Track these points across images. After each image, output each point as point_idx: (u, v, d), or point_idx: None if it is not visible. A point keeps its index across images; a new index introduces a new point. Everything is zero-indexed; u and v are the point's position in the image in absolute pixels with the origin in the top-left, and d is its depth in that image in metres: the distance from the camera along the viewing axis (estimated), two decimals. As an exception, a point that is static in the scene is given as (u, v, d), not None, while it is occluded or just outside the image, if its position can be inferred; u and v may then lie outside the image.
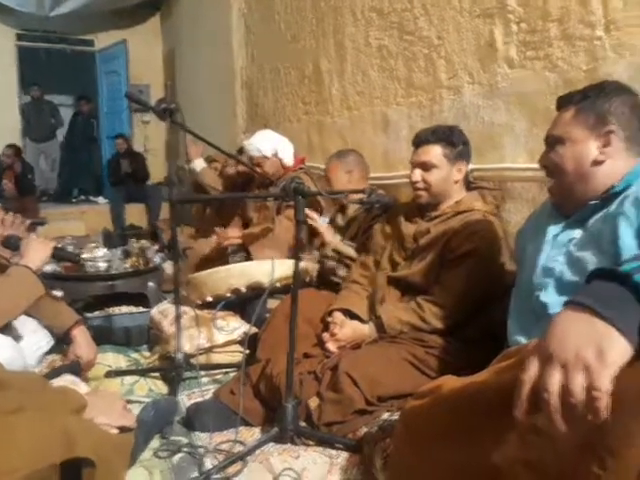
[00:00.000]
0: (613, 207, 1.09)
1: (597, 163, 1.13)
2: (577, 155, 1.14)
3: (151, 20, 7.37)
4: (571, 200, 1.18)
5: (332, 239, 2.14)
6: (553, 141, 1.19)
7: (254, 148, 2.79)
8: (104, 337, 2.32)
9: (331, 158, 2.38)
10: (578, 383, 0.62)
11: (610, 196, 1.10)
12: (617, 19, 1.52)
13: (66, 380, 1.67)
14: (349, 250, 2.09)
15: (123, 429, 1.39)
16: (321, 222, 2.22)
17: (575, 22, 1.63)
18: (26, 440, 1.00)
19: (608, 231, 1.06)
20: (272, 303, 2.04)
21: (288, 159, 2.82)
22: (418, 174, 1.72)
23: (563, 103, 1.20)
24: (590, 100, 1.15)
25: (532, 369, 0.67)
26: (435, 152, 1.70)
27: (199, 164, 3.59)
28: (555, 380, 0.64)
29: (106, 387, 1.93)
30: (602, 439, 0.65)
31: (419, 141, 1.74)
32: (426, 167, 1.71)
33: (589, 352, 0.63)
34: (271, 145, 2.78)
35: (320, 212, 2.54)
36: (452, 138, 1.71)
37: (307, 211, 2.07)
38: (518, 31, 1.83)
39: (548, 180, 1.24)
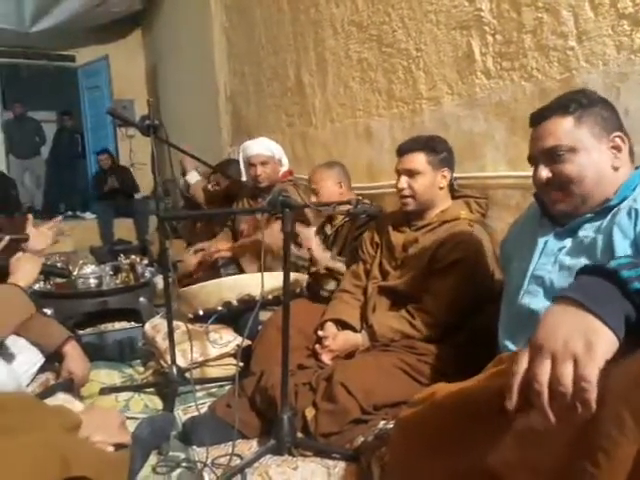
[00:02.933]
0: (607, 218, 1.09)
1: (615, 169, 1.12)
2: (596, 161, 1.11)
3: (132, 35, 7.36)
4: (586, 206, 1.14)
5: (323, 256, 2.16)
6: (560, 152, 1.13)
7: (264, 147, 2.75)
8: (97, 354, 2.33)
9: (319, 169, 2.40)
10: (567, 373, 0.65)
11: (604, 209, 1.11)
12: (588, 30, 1.57)
13: (60, 399, 1.67)
14: (340, 266, 2.11)
15: (119, 446, 1.37)
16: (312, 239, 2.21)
17: (548, 33, 1.68)
18: (20, 464, 1.00)
19: (602, 241, 1.07)
20: (264, 315, 2.06)
21: (285, 169, 2.85)
22: (404, 181, 1.77)
23: (551, 113, 1.15)
24: (586, 108, 1.12)
25: (523, 361, 0.70)
26: (419, 159, 1.75)
27: (193, 177, 3.61)
28: (545, 370, 0.67)
29: (101, 404, 1.93)
30: (594, 437, 0.67)
31: (403, 150, 1.80)
32: (411, 174, 1.76)
33: (578, 344, 0.65)
34: (278, 149, 2.80)
35: (307, 224, 2.58)
36: (434, 145, 1.77)
37: (301, 229, 2.10)
38: (494, 42, 1.87)
39: (547, 191, 1.18)
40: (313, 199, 2.34)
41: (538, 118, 1.19)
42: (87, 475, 1.09)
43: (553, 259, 1.16)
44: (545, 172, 1.16)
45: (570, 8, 1.60)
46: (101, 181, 6.12)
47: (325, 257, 2.15)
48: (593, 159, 1.11)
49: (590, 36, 1.56)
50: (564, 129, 1.13)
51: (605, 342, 0.65)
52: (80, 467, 1.08)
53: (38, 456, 1.04)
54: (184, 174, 3.64)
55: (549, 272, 1.16)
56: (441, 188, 1.79)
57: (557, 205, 1.18)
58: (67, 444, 1.13)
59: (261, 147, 2.75)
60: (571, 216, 1.17)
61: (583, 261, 1.09)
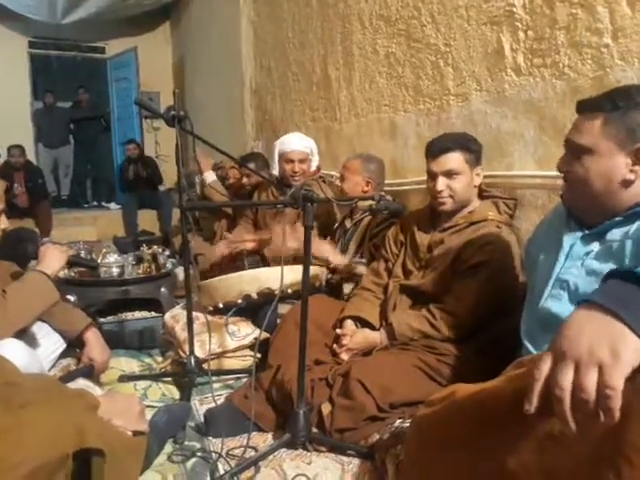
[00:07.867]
0: (636, 223, 1.07)
1: (626, 183, 1.08)
2: (606, 171, 1.08)
3: (161, 28, 7.44)
4: (589, 212, 1.14)
5: (342, 262, 2.16)
6: (579, 150, 1.11)
7: (304, 144, 2.71)
8: (117, 342, 2.36)
9: (356, 160, 2.31)
10: (591, 380, 0.63)
11: (633, 214, 1.08)
12: (624, 26, 1.53)
13: (80, 384, 1.70)
14: (360, 269, 2.10)
15: (137, 434, 1.38)
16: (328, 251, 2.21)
17: (582, 30, 1.64)
18: (34, 433, 1.01)
19: (631, 246, 1.05)
20: (283, 308, 2.06)
21: (315, 165, 2.80)
22: (442, 183, 1.70)
23: (589, 108, 1.12)
24: (621, 111, 1.06)
25: (545, 365, 0.68)
26: (457, 159, 1.69)
27: (210, 176, 3.66)
28: (568, 376, 0.64)
29: (120, 391, 1.95)
30: (618, 447, 0.65)
31: (438, 150, 1.71)
32: (450, 175, 1.70)
33: (603, 350, 0.63)
34: (314, 146, 2.77)
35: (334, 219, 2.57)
36: (469, 143, 1.72)
37: (316, 247, 2.03)
38: (525, 39, 1.84)
39: (563, 186, 1.19)
40: (340, 183, 2.32)
41: (578, 108, 1.16)
42: (101, 447, 1.09)
43: (580, 263, 1.14)
44: (564, 165, 1.17)
45: (606, 4, 1.56)
46: (126, 171, 6.18)
47: (345, 261, 2.16)
48: (605, 166, 1.08)
49: (626, 33, 1.52)
50: (589, 128, 1.10)
51: (632, 349, 0.63)
52: (95, 439, 1.08)
53: (53, 425, 1.04)
54: (201, 173, 3.69)
55: (575, 276, 1.14)
56: (475, 187, 1.76)
57: (563, 199, 1.21)
58: (84, 418, 1.14)
59: (301, 144, 2.70)
60: (580, 215, 1.17)
61: (611, 266, 1.06)
